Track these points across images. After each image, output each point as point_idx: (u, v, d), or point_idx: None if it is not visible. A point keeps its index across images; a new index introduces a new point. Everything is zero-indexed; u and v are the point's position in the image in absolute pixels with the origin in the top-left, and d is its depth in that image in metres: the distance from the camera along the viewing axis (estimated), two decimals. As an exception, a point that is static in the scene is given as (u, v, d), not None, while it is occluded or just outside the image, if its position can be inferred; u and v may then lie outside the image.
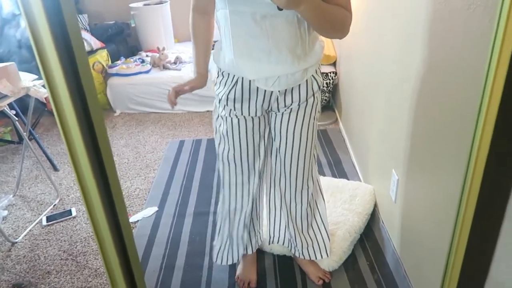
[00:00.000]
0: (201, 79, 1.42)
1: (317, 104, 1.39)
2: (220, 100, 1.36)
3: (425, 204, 1.37)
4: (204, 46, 1.39)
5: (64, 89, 0.47)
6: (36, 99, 2.17)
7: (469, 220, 0.65)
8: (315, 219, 1.62)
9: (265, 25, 1.15)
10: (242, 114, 1.35)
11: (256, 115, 1.36)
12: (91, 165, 0.58)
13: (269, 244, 1.77)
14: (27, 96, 2.10)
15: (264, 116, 1.39)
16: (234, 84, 1.30)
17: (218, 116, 1.41)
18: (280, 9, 1.07)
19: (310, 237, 1.64)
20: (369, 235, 1.89)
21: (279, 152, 1.45)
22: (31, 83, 2.04)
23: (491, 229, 0.69)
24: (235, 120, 1.37)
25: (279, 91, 1.30)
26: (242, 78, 1.28)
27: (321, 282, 1.64)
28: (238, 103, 1.32)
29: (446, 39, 1.17)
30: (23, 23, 3.24)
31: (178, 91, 1.38)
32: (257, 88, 1.29)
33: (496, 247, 0.73)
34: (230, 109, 1.35)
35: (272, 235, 1.73)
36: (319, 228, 1.64)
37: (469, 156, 0.62)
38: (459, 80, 1.10)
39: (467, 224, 0.65)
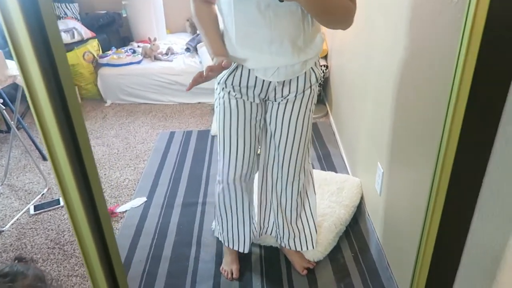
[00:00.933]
0: (225, 56, 1.27)
1: (313, 96, 1.40)
2: (219, 83, 1.37)
3: (407, 197, 1.39)
4: (215, 29, 1.30)
5: (38, 75, 0.47)
6: (24, 88, 2.15)
7: (439, 210, 0.66)
8: (305, 210, 1.64)
9: (269, 15, 1.15)
10: (241, 97, 1.35)
11: (254, 101, 1.37)
12: (67, 154, 0.58)
13: (260, 236, 1.78)
14: (16, 84, 2.08)
15: (261, 104, 1.40)
16: (233, 70, 1.31)
17: (217, 99, 1.41)
18: (281, 1, 1.06)
19: (298, 228, 1.65)
20: (355, 227, 1.91)
21: (274, 139, 1.46)
22: (18, 71, 2.02)
23: (462, 221, 0.71)
24: (233, 102, 1.36)
25: (277, 82, 1.31)
26: (242, 66, 1.29)
27: (305, 272, 1.66)
28: (236, 87, 1.33)
29: (431, 35, 1.18)
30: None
31: (212, 69, 1.19)
32: (256, 77, 1.30)
33: (468, 235, 0.75)
34: (229, 90, 1.35)
35: (262, 226, 1.74)
36: (307, 219, 1.66)
37: (439, 145, 0.63)
38: (440, 76, 1.11)
39: (437, 214, 0.67)
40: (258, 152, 2.42)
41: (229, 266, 1.69)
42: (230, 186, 1.52)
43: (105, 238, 0.69)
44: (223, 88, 1.37)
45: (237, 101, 1.36)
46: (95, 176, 0.63)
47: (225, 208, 1.60)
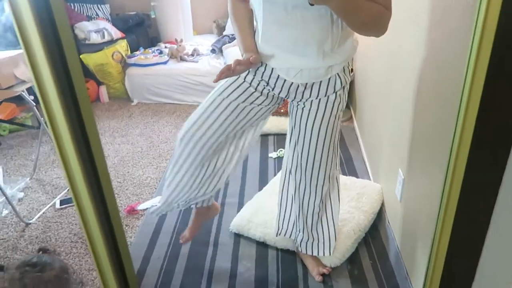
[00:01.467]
0: (255, 53, 1.27)
1: (339, 103, 1.35)
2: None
3: (428, 204, 1.35)
4: (248, 27, 1.31)
5: (48, 75, 0.48)
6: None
7: (450, 221, 0.64)
8: (326, 215, 1.61)
9: (296, 16, 1.14)
10: (258, 82, 1.34)
11: (270, 91, 1.36)
12: (77, 153, 0.59)
13: (276, 235, 1.77)
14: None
15: (275, 100, 1.39)
16: (257, 67, 1.32)
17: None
18: (311, 4, 1.05)
19: (317, 233, 1.63)
20: (374, 234, 1.87)
21: (297, 144, 1.45)
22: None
23: (476, 233, 0.68)
24: (240, 80, 1.34)
25: (300, 84, 1.30)
26: (266, 64, 1.30)
27: (321, 278, 1.64)
28: (258, 79, 1.34)
29: (460, 41, 1.14)
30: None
31: (240, 62, 1.22)
32: (278, 76, 1.30)
33: (485, 238, 0.71)
34: (249, 71, 1.34)
35: (280, 227, 1.73)
36: (328, 225, 1.63)
37: (450, 151, 0.61)
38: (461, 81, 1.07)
39: (448, 224, 0.64)
40: (281, 154, 2.41)
41: (186, 230, 1.74)
42: (183, 140, 1.42)
43: (115, 236, 0.70)
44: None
45: (252, 78, 1.33)
46: (106, 176, 0.65)
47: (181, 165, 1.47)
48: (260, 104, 1.38)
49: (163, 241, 1.92)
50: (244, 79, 1.35)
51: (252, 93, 1.35)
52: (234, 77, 1.35)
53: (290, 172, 1.56)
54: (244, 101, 1.36)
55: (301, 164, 1.47)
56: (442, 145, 1.22)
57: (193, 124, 1.39)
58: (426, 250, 1.36)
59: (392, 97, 1.84)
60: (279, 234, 1.76)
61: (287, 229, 1.72)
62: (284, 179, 1.63)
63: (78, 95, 0.54)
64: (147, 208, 2.16)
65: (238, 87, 1.35)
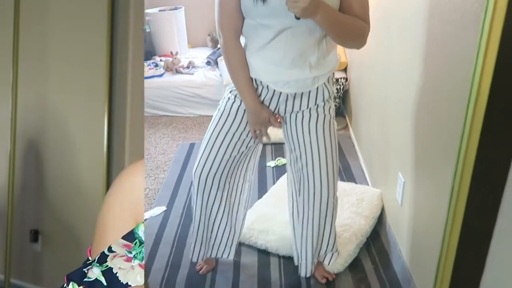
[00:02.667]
0: (262, 110, 1.33)
1: (329, 108, 1.38)
2: (231, 91, 1.40)
3: (431, 207, 1.36)
4: (248, 75, 1.31)
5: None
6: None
7: (459, 222, 0.65)
8: (331, 227, 1.57)
9: (286, 34, 1.19)
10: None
11: None
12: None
13: (296, 263, 1.64)
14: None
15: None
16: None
17: (222, 99, 1.43)
18: (297, 18, 1.10)
19: (328, 242, 1.59)
20: (376, 239, 1.88)
21: (301, 160, 1.42)
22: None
23: (484, 230, 0.69)
24: (236, 103, 1.37)
25: (289, 94, 1.32)
26: (254, 79, 1.32)
27: (324, 280, 1.63)
28: None
29: (452, 47, 1.17)
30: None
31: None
32: (267, 86, 1.32)
33: (489, 248, 0.72)
34: (237, 94, 1.36)
35: (299, 255, 1.62)
36: (334, 233, 1.60)
37: (458, 155, 0.62)
38: (463, 85, 1.09)
39: (457, 225, 0.65)
40: (279, 163, 2.38)
41: (205, 262, 1.73)
42: (201, 182, 1.46)
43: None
44: (232, 90, 1.39)
45: (239, 105, 1.37)
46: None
47: (201, 209, 1.52)
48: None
49: (163, 251, 1.90)
50: (232, 104, 1.38)
51: (243, 115, 1.37)
52: (225, 111, 1.39)
53: (298, 192, 1.51)
54: (238, 126, 1.39)
55: (307, 177, 1.42)
56: (442, 147, 1.24)
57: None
58: (430, 253, 1.36)
59: (389, 103, 1.87)
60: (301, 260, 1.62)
61: (300, 253, 1.61)
62: (293, 204, 1.57)
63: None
64: (146, 219, 2.14)
65: (237, 110, 1.38)
